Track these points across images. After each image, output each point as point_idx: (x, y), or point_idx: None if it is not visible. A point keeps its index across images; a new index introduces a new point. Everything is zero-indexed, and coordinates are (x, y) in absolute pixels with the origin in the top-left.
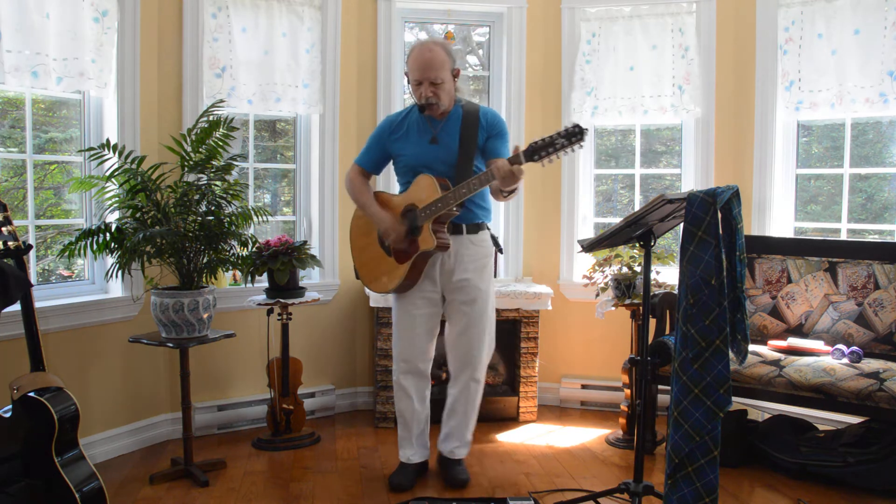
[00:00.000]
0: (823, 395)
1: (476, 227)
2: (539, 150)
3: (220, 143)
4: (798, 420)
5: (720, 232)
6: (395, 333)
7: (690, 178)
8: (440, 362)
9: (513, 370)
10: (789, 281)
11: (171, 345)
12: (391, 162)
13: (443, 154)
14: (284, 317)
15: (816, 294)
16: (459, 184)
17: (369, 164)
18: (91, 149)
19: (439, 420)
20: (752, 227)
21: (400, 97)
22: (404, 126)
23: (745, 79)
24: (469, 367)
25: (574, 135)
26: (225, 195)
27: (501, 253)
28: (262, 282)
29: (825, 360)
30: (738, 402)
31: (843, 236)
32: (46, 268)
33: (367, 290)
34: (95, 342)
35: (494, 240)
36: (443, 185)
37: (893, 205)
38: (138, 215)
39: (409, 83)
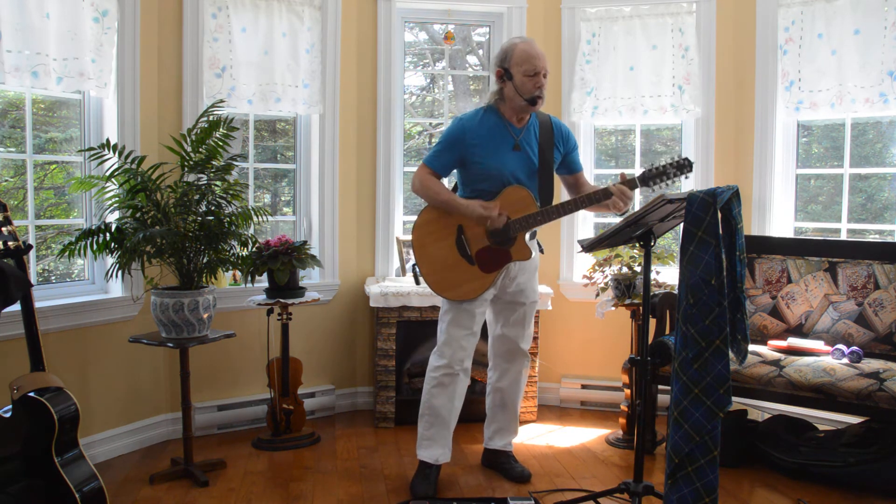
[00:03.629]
0: (823, 395)
1: (534, 234)
2: (654, 178)
3: (220, 143)
4: (798, 420)
5: (720, 232)
6: (453, 333)
7: (690, 178)
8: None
9: None
10: (789, 281)
11: (171, 345)
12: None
13: (524, 162)
14: (284, 317)
15: (816, 294)
16: (563, 201)
17: (442, 167)
18: (91, 149)
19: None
20: (752, 227)
21: (400, 97)
22: (482, 130)
23: (745, 79)
24: (521, 359)
25: (683, 167)
26: (225, 195)
27: (542, 252)
28: (262, 282)
29: (825, 360)
30: (738, 402)
31: (843, 236)
32: (46, 268)
33: (367, 290)
34: (95, 342)
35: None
36: (536, 198)
37: (893, 205)
38: (138, 215)
39: (503, 80)
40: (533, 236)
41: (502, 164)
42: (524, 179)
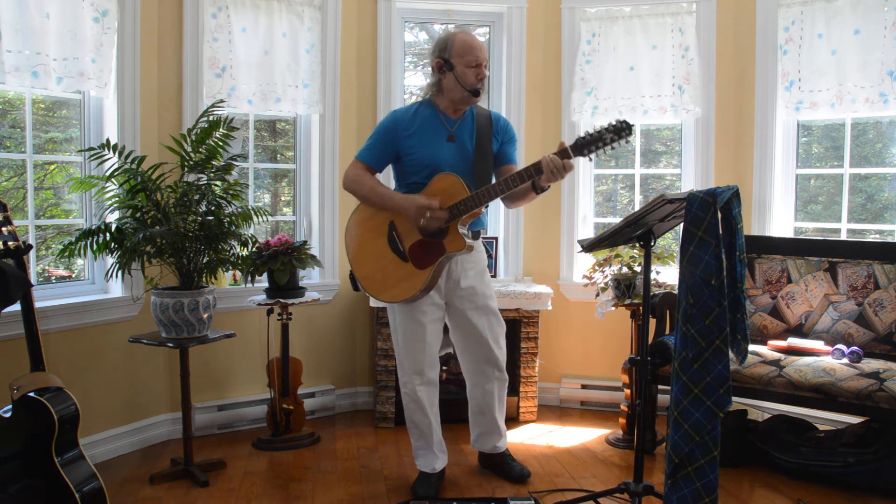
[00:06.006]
0: (823, 395)
1: (477, 234)
2: (588, 145)
3: (220, 143)
4: (798, 420)
5: (720, 232)
6: (404, 345)
7: (690, 178)
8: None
9: (513, 370)
10: (789, 281)
11: (171, 345)
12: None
13: (460, 153)
14: (284, 317)
15: (816, 294)
16: (490, 183)
17: (375, 160)
18: (91, 149)
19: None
20: (752, 227)
21: (400, 97)
22: (416, 123)
23: (745, 79)
24: (493, 368)
25: (622, 130)
26: (225, 195)
27: (491, 257)
28: (262, 282)
29: (825, 360)
30: (738, 402)
31: (843, 236)
32: (46, 268)
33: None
34: (95, 342)
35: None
36: (468, 184)
37: (893, 205)
38: (138, 215)
39: (442, 71)
40: (477, 237)
41: (436, 154)
42: (460, 170)
